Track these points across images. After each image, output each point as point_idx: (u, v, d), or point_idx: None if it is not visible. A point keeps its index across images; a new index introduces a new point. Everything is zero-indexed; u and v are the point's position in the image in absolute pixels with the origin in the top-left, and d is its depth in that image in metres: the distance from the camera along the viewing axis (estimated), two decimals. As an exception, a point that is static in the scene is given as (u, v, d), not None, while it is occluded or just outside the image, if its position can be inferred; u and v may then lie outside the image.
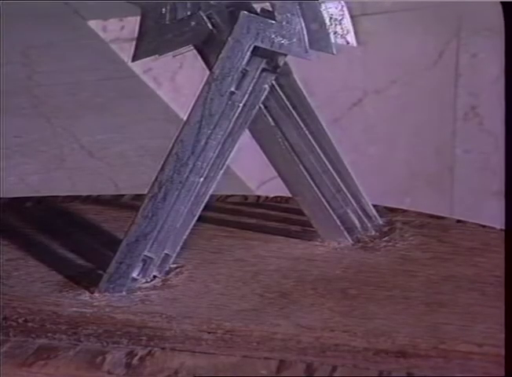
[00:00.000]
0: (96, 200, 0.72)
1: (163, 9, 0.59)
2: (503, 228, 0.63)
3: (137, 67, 1.25)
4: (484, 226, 0.65)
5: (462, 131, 1.58)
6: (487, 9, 1.50)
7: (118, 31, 1.35)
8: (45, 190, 0.94)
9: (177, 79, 1.42)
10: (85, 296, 0.59)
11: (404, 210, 0.68)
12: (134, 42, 0.60)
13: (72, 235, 0.67)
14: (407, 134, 1.58)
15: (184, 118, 0.60)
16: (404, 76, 1.53)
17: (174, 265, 0.61)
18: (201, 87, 0.59)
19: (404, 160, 1.59)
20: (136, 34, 0.60)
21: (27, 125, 1.06)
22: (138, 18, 0.60)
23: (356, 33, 0.60)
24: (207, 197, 0.60)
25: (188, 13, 0.59)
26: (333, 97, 1.51)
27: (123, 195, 0.73)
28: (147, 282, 0.60)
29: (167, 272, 0.61)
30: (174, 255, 0.61)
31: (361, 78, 1.51)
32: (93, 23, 1.33)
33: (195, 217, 0.60)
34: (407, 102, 1.55)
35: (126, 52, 1.27)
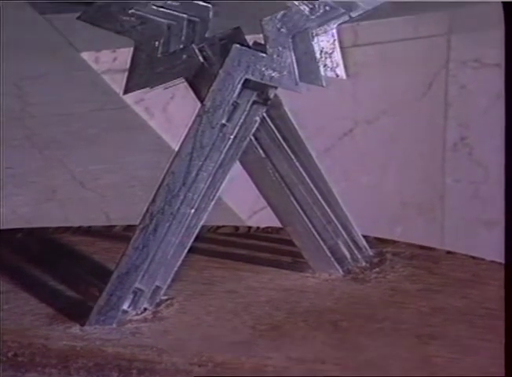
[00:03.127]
0: (88, 231, 0.72)
1: (156, 43, 0.60)
2: (494, 259, 0.63)
3: (129, 97, 1.25)
4: (474, 257, 0.65)
5: (452, 161, 1.59)
6: (474, 40, 1.52)
7: (111, 62, 1.35)
8: (37, 221, 0.94)
9: (169, 110, 1.43)
10: (76, 329, 0.59)
11: (395, 241, 0.68)
12: (126, 74, 0.61)
13: (63, 267, 0.66)
14: (397, 164, 1.59)
15: (176, 149, 0.60)
16: (394, 107, 1.54)
17: (165, 297, 0.61)
18: (192, 119, 0.60)
19: (395, 189, 1.60)
20: (128, 66, 0.61)
21: (19, 156, 1.06)
22: (131, 49, 0.60)
23: (346, 65, 0.61)
24: (198, 228, 0.60)
25: (181, 46, 0.60)
26: (324, 127, 1.51)
27: (115, 226, 0.73)
28: (137, 314, 0.60)
29: (158, 304, 0.61)
30: (165, 287, 0.61)
31: (352, 108, 1.52)
32: (85, 55, 1.34)
33: (186, 249, 0.60)
34: (397, 132, 1.56)
35: (118, 83, 1.28)
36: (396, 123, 1.57)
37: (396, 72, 1.53)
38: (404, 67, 1.53)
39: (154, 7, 0.59)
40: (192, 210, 0.60)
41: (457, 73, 1.54)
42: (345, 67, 0.60)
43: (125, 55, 0.61)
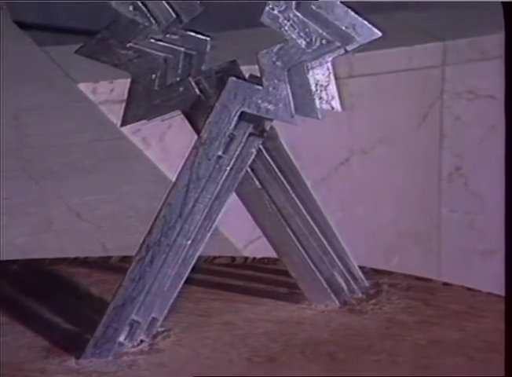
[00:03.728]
0: (84, 262, 0.72)
1: (153, 75, 0.60)
2: (491, 290, 0.63)
3: (125, 128, 1.26)
4: (470, 289, 0.65)
5: (447, 191, 1.60)
6: (468, 72, 1.53)
7: (108, 93, 1.36)
8: (33, 252, 0.94)
9: (165, 139, 1.44)
10: (71, 362, 0.58)
11: (391, 272, 0.68)
12: (124, 104, 0.61)
13: (59, 298, 0.66)
14: (393, 194, 1.59)
15: (173, 179, 0.61)
16: (389, 137, 1.55)
17: (162, 329, 0.61)
18: (189, 151, 0.60)
19: (392, 219, 1.60)
20: (125, 96, 0.61)
21: (16, 187, 1.06)
22: (128, 80, 0.61)
23: (341, 98, 0.61)
24: (195, 259, 0.60)
25: (178, 79, 0.60)
26: (320, 157, 1.52)
27: (111, 256, 0.73)
28: (134, 346, 0.60)
29: (154, 336, 0.60)
30: (161, 319, 0.60)
31: (348, 138, 1.53)
32: (82, 86, 1.35)
33: (183, 280, 0.60)
34: (393, 162, 1.57)
35: (115, 113, 1.28)
36: (391, 153, 1.58)
37: (392, 103, 1.55)
38: (399, 98, 1.55)
39: (152, 40, 0.59)
40: (189, 242, 0.60)
41: (451, 104, 1.55)
42: (341, 99, 0.61)
43: (122, 86, 0.62)
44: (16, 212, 1.00)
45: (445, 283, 0.67)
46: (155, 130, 1.40)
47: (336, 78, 0.60)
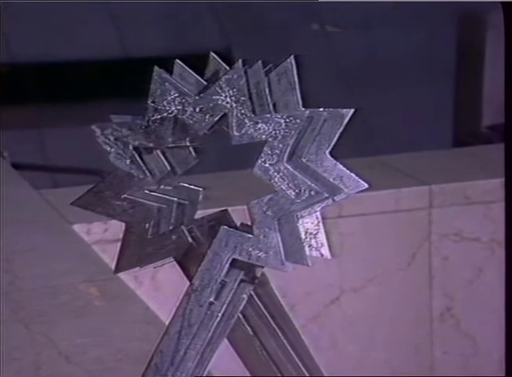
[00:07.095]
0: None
1: (147, 225, 0.62)
2: None
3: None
4: None
5: (439, 332, 1.59)
6: (453, 215, 1.57)
7: (102, 233, 1.38)
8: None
9: (158, 277, 1.44)
10: None
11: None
12: (117, 244, 0.62)
13: None
14: (385, 332, 1.58)
15: (164, 319, 0.61)
16: (379, 276, 1.56)
17: None
18: (180, 298, 0.61)
19: (384, 358, 1.58)
20: (119, 236, 0.62)
21: (4, 332, 1.05)
22: (123, 225, 0.62)
23: (330, 245, 0.62)
24: (185, 408, 0.60)
25: (171, 227, 0.62)
26: (311, 295, 1.52)
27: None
28: None
29: None
30: None
31: (338, 277, 1.54)
32: (77, 227, 1.37)
33: None
34: (383, 301, 1.57)
35: (108, 253, 1.29)
36: (382, 292, 1.58)
37: (381, 242, 1.57)
38: (387, 237, 1.57)
39: (146, 192, 0.61)
40: (180, 390, 0.60)
41: (439, 245, 1.57)
42: (330, 247, 0.62)
43: (116, 226, 0.63)
44: (4, 359, 0.99)
45: None
46: (147, 269, 1.40)
47: (325, 217, 0.62)
